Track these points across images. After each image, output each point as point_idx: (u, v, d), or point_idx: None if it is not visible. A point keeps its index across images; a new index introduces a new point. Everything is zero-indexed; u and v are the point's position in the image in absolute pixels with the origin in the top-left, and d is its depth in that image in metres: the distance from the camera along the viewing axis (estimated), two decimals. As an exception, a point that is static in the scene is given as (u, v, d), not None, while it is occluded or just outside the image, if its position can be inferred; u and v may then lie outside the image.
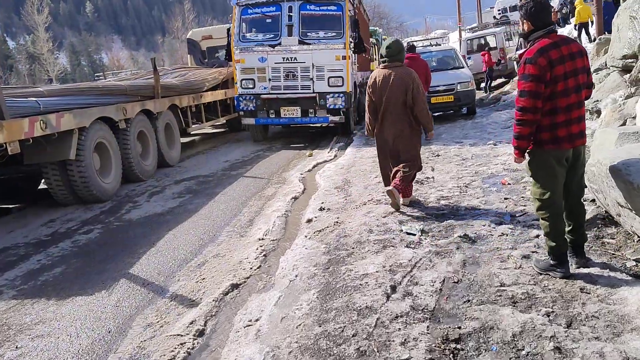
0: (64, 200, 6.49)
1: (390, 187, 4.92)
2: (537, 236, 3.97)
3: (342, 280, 3.48)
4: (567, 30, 17.70)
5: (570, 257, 3.28)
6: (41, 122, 5.46)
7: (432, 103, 11.04)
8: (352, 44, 10.78)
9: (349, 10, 10.71)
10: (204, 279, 3.95)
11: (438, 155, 7.82)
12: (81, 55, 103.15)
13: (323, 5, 10.47)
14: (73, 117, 6.03)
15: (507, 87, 14.55)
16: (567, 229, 3.27)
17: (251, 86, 10.65)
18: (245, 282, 3.81)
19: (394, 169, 5.11)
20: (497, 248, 3.86)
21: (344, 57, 10.36)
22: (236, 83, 10.77)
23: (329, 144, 10.43)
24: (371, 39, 21.67)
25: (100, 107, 6.74)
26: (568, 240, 3.27)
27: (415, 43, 12.33)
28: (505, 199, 5.29)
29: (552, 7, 27.09)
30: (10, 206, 7.12)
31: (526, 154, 3.27)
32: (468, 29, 32.01)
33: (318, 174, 7.44)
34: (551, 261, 3.24)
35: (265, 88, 10.59)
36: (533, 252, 3.68)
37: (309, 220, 5.11)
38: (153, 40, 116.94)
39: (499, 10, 36.47)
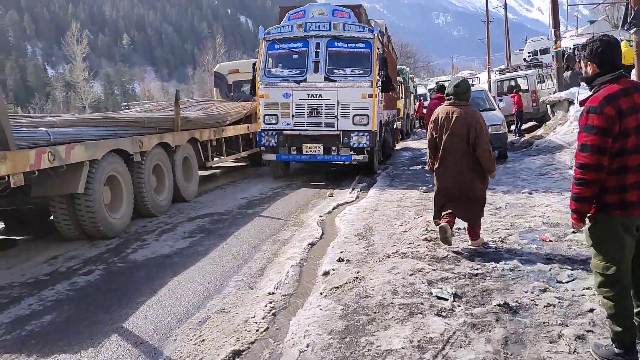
0: (70, 235, 6.15)
1: (443, 223, 4.94)
2: (592, 310, 3.40)
3: (362, 357, 2.96)
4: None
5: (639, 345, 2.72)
6: (49, 153, 5.17)
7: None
8: (380, 82, 10.46)
9: (378, 48, 10.44)
10: (203, 340, 3.47)
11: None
12: (115, 84, 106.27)
13: (351, 42, 10.22)
14: (85, 149, 5.74)
15: (539, 131, 13.99)
16: (635, 310, 2.72)
17: (274, 122, 10.37)
18: (249, 348, 3.32)
19: (449, 209, 5.10)
20: (544, 323, 3.30)
21: (370, 96, 10.02)
22: (259, 118, 10.51)
23: (350, 184, 9.99)
24: (398, 78, 21.50)
25: (114, 139, 6.46)
26: (637, 324, 2.71)
27: (445, 83, 11.93)
28: (548, 259, 4.74)
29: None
30: (17, 238, 6.82)
31: (587, 219, 2.76)
32: (497, 71, 31.66)
33: (338, 217, 6.97)
34: (615, 349, 2.68)
35: (288, 124, 10.29)
36: (588, 331, 3.12)
37: (326, 273, 4.62)
38: (184, 73, 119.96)
39: (529, 52, 36.10)
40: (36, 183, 5.59)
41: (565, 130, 12.85)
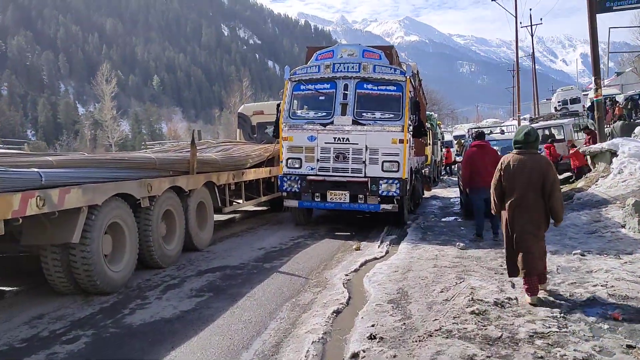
0: (62, 289, 5.44)
1: (535, 295, 4.87)
2: None
3: None
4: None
5: None
6: (38, 198, 4.52)
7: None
8: (411, 127, 9.77)
9: (410, 91, 9.81)
10: None
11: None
12: (143, 124, 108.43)
13: (382, 84, 9.62)
14: (82, 193, 5.09)
15: (580, 184, 13.02)
16: None
17: (297, 166, 9.70)
18: None
19: (523, 259, 4.96)
20: None
21: (401, 141, 9.31)
22: (281, 162, 9.86)
23: (379, 236, 9.15)
24: (427, 124, 20.87)
25: (118, 182, 5.81)
26: None
27: (482, 130, 11.19)
28: (629, 346, 3.81)
29: (618, 102, 25.71)
30: (7, 289, 6.13)
31: None
32: (525, 118, 30.83)
33: (367, 278, 6.12)
34: None
35: (312, 169, 9.61)
36: None
37: (355, 356, 3.77)
38: (211, 114, 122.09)
39: (559, 101, 35.36)
40: (27, 229, 4.95)
41: (608, 184, 11.86)
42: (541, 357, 3.68)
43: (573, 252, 6.97)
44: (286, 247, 8.19)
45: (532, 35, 43.90)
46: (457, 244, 7.80)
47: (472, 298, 4.91)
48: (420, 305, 4.86)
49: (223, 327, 4.57)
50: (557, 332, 4.14)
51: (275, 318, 4.82)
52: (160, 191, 6.70)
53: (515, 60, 38.78)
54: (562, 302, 4.92)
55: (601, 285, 5.40)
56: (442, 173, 27.53)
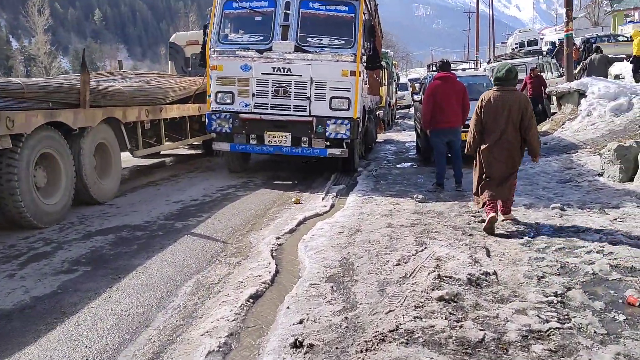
0: None
1: (492, 214, 4.92)
2: None
3: None
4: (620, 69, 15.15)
5: None
6: None
7: (463, 141, 8.41)
8: (365, 57, 8.25)
9: (364, 14, 8.21)
10: None
11: (484, 221, 5.14)
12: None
13: (331, 3, 7.95)
14: None
15: (544, 126, 11.95)
16: None
17: (229, 101, 8.05)
18: None
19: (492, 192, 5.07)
20: None
21: (353, 73, 7.79)
22: (209, 96, 8.18)
23: (324, 185, 7.79)
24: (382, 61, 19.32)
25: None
26: None
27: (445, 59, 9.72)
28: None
29: (575, 44, 24.88)
30: None
31: None
32: (487, 60, 29.70)
33: (303, 242, 4.76)
34: None
35: (246, 105, 7.99)
36: None
37: (266, 384, 2.42)
38: (158, 52, 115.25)
39: (516, 44, 34.37)
40: None
41: (576, 127, 10.86)
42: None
43: (551, 206, 5.83)
44: (211, 200, 6.71)
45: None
46: (415, 195, 6.53)
47: (438, 275, 3.63)
48: (370, 287, 3.54)
49: (83, 327, 3.11)
50: (559, 328, 2.93)
51: (166, 308, 3.39)
52: (29, 128, 4.99)
53: (474, -1, 37.26)
54: (554, 277, 3.74)
55: (597, 252, 4.26)
56: (396, 117, 26.30)
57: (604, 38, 26.57)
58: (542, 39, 38.05)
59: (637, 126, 9.41)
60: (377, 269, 3.89)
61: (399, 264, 3.94)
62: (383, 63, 19.61)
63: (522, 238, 4.67)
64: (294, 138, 7.99)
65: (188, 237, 5.00)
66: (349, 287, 3.57)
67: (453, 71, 11.31)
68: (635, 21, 34.28)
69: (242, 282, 3.77)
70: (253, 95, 7.96)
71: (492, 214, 4.90)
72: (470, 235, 4.87)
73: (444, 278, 3.59)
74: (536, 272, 3.81)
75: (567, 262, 4.02)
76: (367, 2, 8.47)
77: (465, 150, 5.42)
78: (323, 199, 6.75)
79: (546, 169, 8.28)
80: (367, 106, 9.94)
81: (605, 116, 10.69)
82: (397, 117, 26.11)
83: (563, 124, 11.50)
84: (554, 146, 10.33)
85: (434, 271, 3.70)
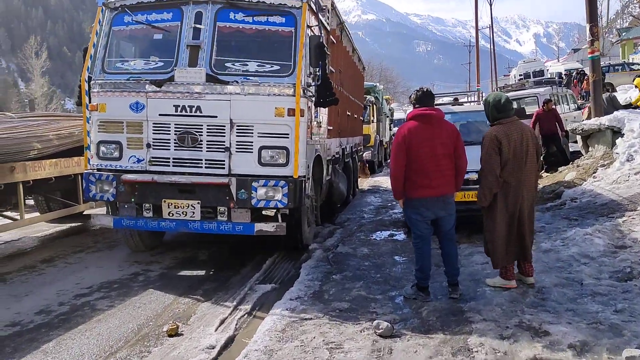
0: None
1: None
2: None
3: None
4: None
5: None
6: None
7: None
8: (313, 89, 5.71)
9: (310, 28, 5.75)
10: None
11: None
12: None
13: (261, 13, 5.47)
14: None
15: (569, 175, 9.17)
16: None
17: (116, 155, 5.50)
18: None
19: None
20: None
21: (291, 112, 5.24)
22: (87, 148, 5.63)
23: (248, 280, 5.13)
24: (369, 97, 16.90)
25: None
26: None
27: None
28: None
29: (587, 74, 22.50)
30: None
31: None
32: (483, 94, 27.36)
33: None
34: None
35: (139, 160, 5.44)
36: None
37: None
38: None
39: (520, 75, 32.12)
40: None
41: (614, 177, 8.15)
42: None
43: (624, 355, 3.10)
44: (56, 315, 4.04)
45: (490, 5, 40.81)
46: (377, 322, 3.77)
47: None
48: None
49: None
50: None
51: None
52: None
53: (475, 29, 35.36)
54: None
55: None
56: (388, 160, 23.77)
57: (617, 67, 24.23)
58: (547, 70, 35.95)
59: None
60: None
61: None
62: (371, 98, 17.32)
63: None
64: (205, 208, 5.38)
65: None
66: None
67: (444, 104, 8.78)
68: (646, 49, 32.16)
69: None
70: (148, 146, 5.40)
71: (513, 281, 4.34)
72: None
73: None
74: None
75: None
76: (315, 10, 5.97)
77: (482, 202, 4.40)
78: (223, 321, 4.02)
79: (587, 250, 5.51)
80: (330, 155, 7.38)
81: (654, 161, 8.04)
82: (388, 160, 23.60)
83: (594, 172, 8.79)
84: (586, 205, 7.58)
85: None
